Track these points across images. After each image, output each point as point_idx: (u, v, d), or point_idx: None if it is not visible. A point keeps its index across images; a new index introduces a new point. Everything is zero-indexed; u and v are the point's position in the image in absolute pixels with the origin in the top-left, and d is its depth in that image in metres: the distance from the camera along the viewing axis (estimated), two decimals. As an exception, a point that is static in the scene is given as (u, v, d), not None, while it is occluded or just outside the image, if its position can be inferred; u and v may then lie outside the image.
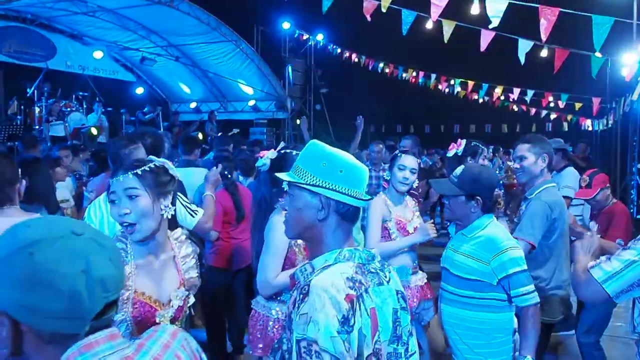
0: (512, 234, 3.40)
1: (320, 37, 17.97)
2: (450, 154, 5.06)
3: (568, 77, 13.03)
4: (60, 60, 16.05)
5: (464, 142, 5.05)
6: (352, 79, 19.14)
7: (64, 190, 5.97)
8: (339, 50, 17.23)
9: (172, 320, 2.24)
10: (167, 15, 14.47)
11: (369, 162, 7.36)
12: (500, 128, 20.80)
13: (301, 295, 1.64)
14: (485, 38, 7.01)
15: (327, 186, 1.76)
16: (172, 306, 2.23)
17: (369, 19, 7.00)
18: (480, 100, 18.11)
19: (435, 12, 6.00)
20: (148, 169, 2.19)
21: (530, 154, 3.72)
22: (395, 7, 6.89)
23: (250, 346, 3.15)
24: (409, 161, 3.92)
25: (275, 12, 18.07)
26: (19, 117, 13.25)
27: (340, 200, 1.77)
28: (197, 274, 2.37)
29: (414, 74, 16.28)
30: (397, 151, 4.16)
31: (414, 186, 4.00)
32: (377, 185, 7.00)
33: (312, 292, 1.62)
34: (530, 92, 15.28)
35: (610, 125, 16.08)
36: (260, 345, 3.05)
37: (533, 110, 18.32)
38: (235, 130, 15.06)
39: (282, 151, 3.13)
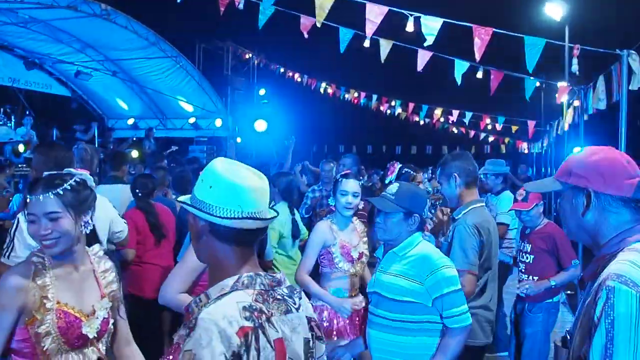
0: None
1: (263, 56, 17.85)
2: (387, 180, 5.05)
3: (504, 100, 13.33)
4: None
5: (398, 166, 5.02)
6: (295, 98, 19.09)
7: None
8: (282, 70, 17.15)
9: (100, 334, 2.22)
10: (104, 28, 13.98)
11: (320, 181, 7.19)
12: (441, 149, 21.13)
13: (187, 330, 1.44)
14: (422, 58, 7.02)
15: (194, 204, 1.61)
16: (97, 317, 2.21)
17: (306, 35, 6.90)
18: (421, 122, 18.35)
19: (370, 28, 5.94)
20: (69, 188, 2.14)
21: (442, 179, 3.67)
22: (333, 24, 6.82)
23: None
24: (351, 185, 3.90)
25: (218, 30, 17.86)
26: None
27: (206, 219, 1.59)
28: (117, 287, 2.35)
29: (356, 94, 16.33)
30: (338, 176, 4.11)
31: (360, 207, 4.07)
32: (327, 204, 6.85)
33: (199, 325, 1.43)
34: (468, 114, 15.56)
35: (545, 148, 16.56)
36: None
37: (472, 133, 18.70)
38: (174, 148, 14.69)
39: None
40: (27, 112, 14.23)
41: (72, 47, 15.62)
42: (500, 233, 5.96)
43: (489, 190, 6.39)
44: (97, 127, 15.63)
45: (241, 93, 18.95)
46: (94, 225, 2.32)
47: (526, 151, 19.60)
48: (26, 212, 2.15)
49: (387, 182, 5.09)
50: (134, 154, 12.63)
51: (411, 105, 16.28)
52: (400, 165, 5.16)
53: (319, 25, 6.27)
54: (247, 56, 18.19)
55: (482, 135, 18.72)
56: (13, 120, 13.84)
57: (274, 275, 1.63)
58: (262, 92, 19.67)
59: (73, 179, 2.17)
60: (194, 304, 1.56)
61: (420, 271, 2.87)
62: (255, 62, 18.43)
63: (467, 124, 16.82)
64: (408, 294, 2.86)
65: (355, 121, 20.26)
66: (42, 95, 17.06)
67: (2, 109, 13.84)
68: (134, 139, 15.87)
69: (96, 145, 14.48)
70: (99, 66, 16.09)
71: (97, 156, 6.02)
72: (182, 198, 1.69)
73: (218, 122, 17.61)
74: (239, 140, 16.93)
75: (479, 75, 8.23)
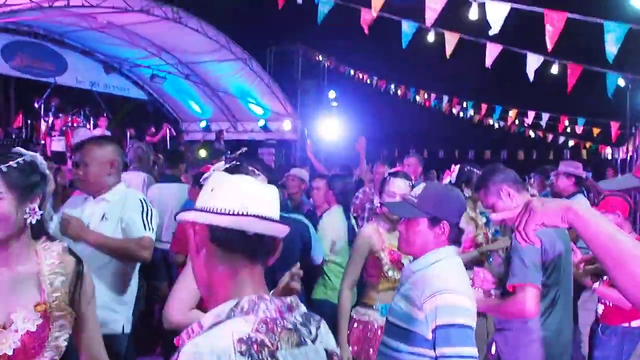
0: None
1: (333, 58, 17.73)
2: (445, 182, 4.60)
3: (584, 99, 12.45)
4: (71, 76, 16.19)
5: (457, 167, 4.58)
6: (365, 101, 18.82)
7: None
8: (351, 72, 16.93)
9: (22, 353, 1.81)
10: (176, 31, 14.41)
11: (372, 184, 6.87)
12: (517, 155, 20.09)
13: None
14: (491, 52, 6.57)
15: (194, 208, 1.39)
16: (16, 330, 1.81)
17: (366, 31, 6.64)
18: (496, 125, 17.58)
19: (430, 16, 5.58)
20: (15, 166, 1.84)
21: (491, 199, 3.13)
22: (395, 17, 6.53)
23: None
24: (399, 185, 3.42)
25: (290, 33, 17.91)
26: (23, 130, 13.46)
27: (209, 222, 1.34)
28: (64, 296, 1.92)
29: (426, 96, 15.86)
30: (386, 174, 3.68)
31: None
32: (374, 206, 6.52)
33: None
34: (545, 116, 14.68)
35: (630, 154, 15.41)
36: None
37: (550, 137, 17.70)
38: (243, 149, 14.76)
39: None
40: (105, 115, 14.77)
41: (148, 51, 16.16)
42: (572, 237, 5.47)
43: (560, 193, 5.89)
44: (169, 130, 16.09)
45: (311, 95, 18.89)
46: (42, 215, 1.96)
47: (609, 157, 18.29)
48: None
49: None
50: (202, 153, 12.79)
51: (484, 108, 15.60)
52: (461, 165, 4.67)
53: (374, 14, 5.98)
54: (317, 58, 18.11)
55: (561, 139, 17.65)
56: (92, 122, 14.43)
57: (284, 299, 1.36)
58: (332, 94, 19.52)
59: (21, 158, 1.89)
60: (185, 334, 1.31)
61: (421, 292, 2.28)
62: (326, 64, 18.32)
63: (543, 126, 15.85)
64: (407, 320, 2.32)
65: (427, 124, 19.70)
66: (120, 99, 17.78)
67: (82, 112, 14.52)
68: (204, 140, 16.18)
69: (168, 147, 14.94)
70: (173, 69, 16.56)
71: (152, 154, 6.01)
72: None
73: (287, 125, 17.65)
74: (309, 143, 16.90)
75: (554, 70, 7.61)
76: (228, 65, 16.17)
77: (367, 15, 6.55)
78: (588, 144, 18.36)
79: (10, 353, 1.80)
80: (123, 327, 3.24)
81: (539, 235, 2.88)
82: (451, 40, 6.62)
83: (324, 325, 1.43)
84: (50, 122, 13.57)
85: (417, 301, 2.27)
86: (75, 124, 13.74)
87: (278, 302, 1.33)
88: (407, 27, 6.75)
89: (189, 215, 1.37)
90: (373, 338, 3.32)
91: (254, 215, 1.33)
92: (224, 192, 1.35)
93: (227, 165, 2.62)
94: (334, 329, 3.36)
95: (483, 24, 5.76)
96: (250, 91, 17.17)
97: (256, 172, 2.73)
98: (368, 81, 15.98)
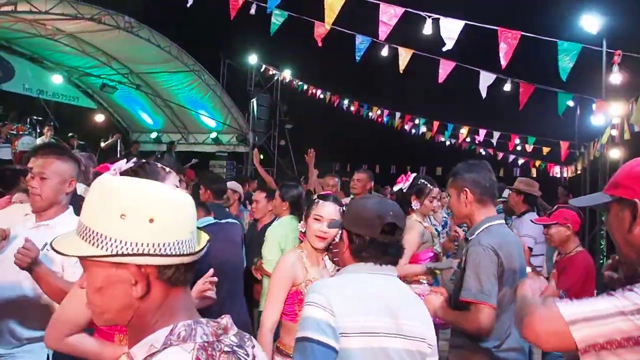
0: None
1: (287, 72, 17.71)
2: (396, 188, 4.50)
3: (535, 118, 12.70)
4: (18, 83, 15.71)
5: (412, 176, 4.49)
6: (318, 115, 18.84)
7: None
8: (305, 87, 16.91)
9: None
10: (128, 41, 14.17)
11: None
12: (467, 171, 20.29)
13: None
14: (445, 68, 6.56)
15: (138, 250, 1.15)
16: None
17: (319, 43, 6.56)
18: (447, 143, 17.81)
19: (384, 31, 5.50)
20: None
21: (451, 191, 2.98)
22: (349, 32, 6.47)
23: None
24: (328, 210, 2.96)
25: (243, 46, 17.82)
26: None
27: (161, 264, 1.18)
28: None
29: (379, 112, 15.92)
30: (315, 196, 3.24)
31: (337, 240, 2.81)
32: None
33: None
34: (496, 134, 14.91)
35: (579, 173, 15.80)
36: None
37: (500, 155, 17.99)
38: (194, 161, 14.56)
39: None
40: (51, 123, 14.31)
41: (99, 60, 15.87)
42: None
43: (512, 209, 5.94)
44: (122, 141, 15.75)
45: (264, 109, 18.78)
46: None
47: (558, 175, 18.67)
48: None
49: (395, 190, 4.56)
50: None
51: (436, 124, 15.77)
52: (416, 175, 4.58)
53: (328, 27, 5.88)
54: (270, 72, 18.06)
55: (511, 157, 17.98)
56: (37, 130, 13.96)
57: (219, 321, 1.25)
58: (284, 108, 19.49)
59: None
60: None
61: None
62: (279, 78, 18.29)
63: (494, 144, 16.13)
64: None
65: (379, 139, 19.87)
66: (70, 107, 17.27)
67: (28, 120, 14.06)
68: (159, 154, 15.88)
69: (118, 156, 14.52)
70: (124, 79, 16.23)
71: (92, 164, 5.71)
72: (75, 251, 1.19)
73: (239, 138, 17.53)
74: (261, 156, 16.81)
75: (507, 88, 7.65)
76: (180, 77, 16.00)
77: (321, 29, 6.47)
78: (537, 163, 18.70)
79: None
80: (48, 357, 2.94)
81: (496, 246, 2.80)
82: (405, 55, 6.58)
83: (256, 343, 1.34)
84: (-6, 129, 13.04)
85: None
86: (20, 132, 13.23)
87: (214, 324, 1.23)
88: (361, 41, 6.71)
89: (151, 260, 1.16)
90: None
91: (203, 248, 1.26)
92: (171, 222, 1.19)
93: (131, 165, 2.41)
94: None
95: (437, 40, 5.72)
96: (202, 103, 16.99)
97: (166, 169, 2.46)
98: (321, 96, 15.96)
